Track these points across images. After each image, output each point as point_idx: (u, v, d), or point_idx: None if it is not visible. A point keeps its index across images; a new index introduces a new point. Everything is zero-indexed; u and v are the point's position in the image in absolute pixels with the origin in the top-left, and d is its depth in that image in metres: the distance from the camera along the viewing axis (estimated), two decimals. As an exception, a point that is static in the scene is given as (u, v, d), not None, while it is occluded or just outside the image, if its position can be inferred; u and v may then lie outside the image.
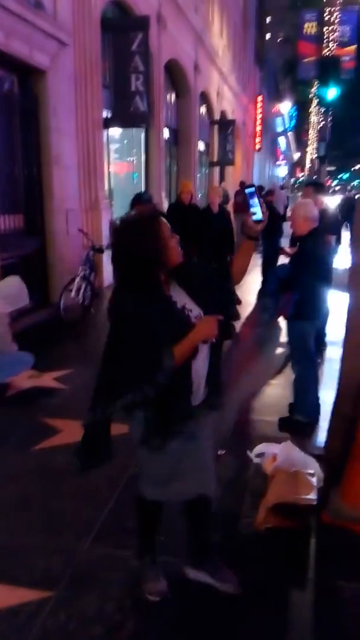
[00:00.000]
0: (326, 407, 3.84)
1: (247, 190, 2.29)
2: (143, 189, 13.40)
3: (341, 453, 3.04)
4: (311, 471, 3.03)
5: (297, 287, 3.97)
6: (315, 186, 6.27)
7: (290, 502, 2.83)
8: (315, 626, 2.38)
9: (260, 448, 3.45)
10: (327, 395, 4.30)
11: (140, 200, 5.61)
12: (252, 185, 2.32)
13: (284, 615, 2.40)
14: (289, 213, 12.16)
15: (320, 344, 6.03)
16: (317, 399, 4.28)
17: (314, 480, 2.96)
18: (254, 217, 2.26)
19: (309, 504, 2.82)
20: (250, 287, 8.98)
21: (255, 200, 2.25)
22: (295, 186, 50.31)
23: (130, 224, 2.06)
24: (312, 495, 2.85)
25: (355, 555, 2.75)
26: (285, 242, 8.58)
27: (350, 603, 2.49)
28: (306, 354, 4.16)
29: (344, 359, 3.31)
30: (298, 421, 4.15)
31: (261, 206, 2.24)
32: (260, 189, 16.04)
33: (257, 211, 2.26)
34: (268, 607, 2.43)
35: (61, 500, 3.27)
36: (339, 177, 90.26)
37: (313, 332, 4.22)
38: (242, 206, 14.86)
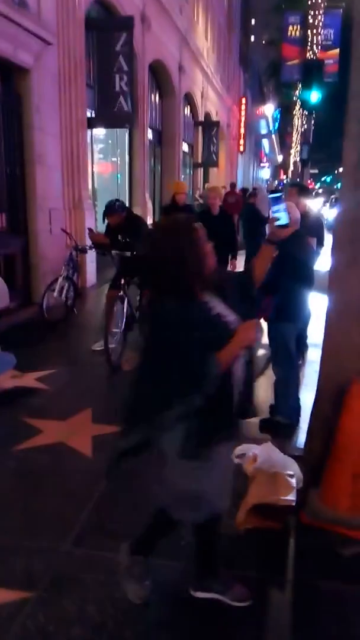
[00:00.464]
0: (306, 409, 3.88)
1: (272, 196, 2.28)
2: (127, 189, 13.40)
3: (321, 454, 3.08)
4: (291, 472, 3.06)
5: (278, 290, 3.99)
6: (300, 188, 6.29)
7: (270, 503, 2.86)
8: (294, 625, 2.40)
9: (241, 449, 3.46)
10: (307, 396, 4.34)
11: (112, 209, 5.49)
12: (277, 191, 2.31)
13: (264, 615, 2.42)
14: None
15: (301, 345, 6.08)
16: (298, 400, 4.34)
17: (293, 481, 2.98)
18: (279, 223, 2.25)
19: (289, 504, 2.85)
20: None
21: (280, 206, 2.24)
22: (280, 188, 50.56)
23: (168, 230, 2.03)
24: (292, 496, 2.87)
25: (333, 555, 2.78)
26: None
27: (328, 602, 2.53)
28: (287, 356, 4.20)
29: (324, 361, 3.34)
30: (279, 422, 4.18)
31: (286, 211, 2.23)
32: (244, 191, 16.18)
33: (282, 216, 2.25)
34: (247, 606, 2.45)
35: (42, 500, 3.26)
36: (322, 180, 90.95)
37: (294, 335, 4.25)
38: (234, 206, 14.94)
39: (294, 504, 2.86)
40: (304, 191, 6.19)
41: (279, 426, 4.13)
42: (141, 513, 3.09)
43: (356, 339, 3.14)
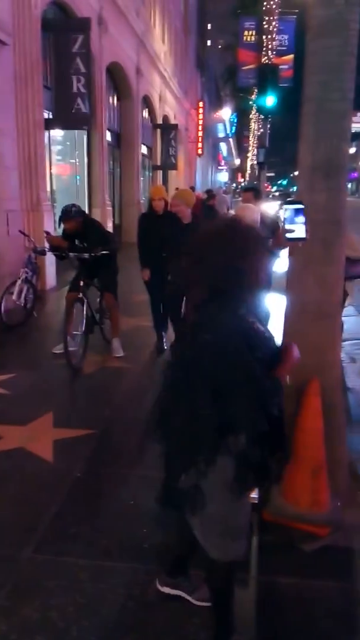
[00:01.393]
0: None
1: (294, 207, 2.22)
2: (86, 191, 13.30)
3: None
4: (253, 470, 3.09)
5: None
6: (255, 192, 6.38)
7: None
8: (257, 620, 2.43)
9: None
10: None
11: (68, 215, 5.37)
12: (298, 202, 2.26)
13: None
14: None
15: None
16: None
17: (255, 479, 3.01)
18: (294, 235, 2.18)
19: (251, 502, 2.88)
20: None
21: (300, 218, 2.20)
22: (237, 191, 51.12)
23: (224, 235, 1.83)
24: (254, 494, 2.90)
25: (294, 552, 2.82)
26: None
27: (289, 597, 2.56)
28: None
29: (283, 361, 3.39)
30: None
31: (306, 225, 2.16)
32: (208, 192, 16.28)
33: (300, 230, 2.18)
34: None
35: (2, 507, 3.19)
36: (278, 183, 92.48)
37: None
38: (195, 208, 14.99)
39: (256, 501, 2.89)
40: (258, 195, 6.28)
41: None
42: (104, 517, 3.09)
43: (313, 338, 3.20)
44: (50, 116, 9.90)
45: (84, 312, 5.51)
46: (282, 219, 2.24)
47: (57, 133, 11.43)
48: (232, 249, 1.82)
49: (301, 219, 2.23)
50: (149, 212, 5.98)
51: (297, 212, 2.25)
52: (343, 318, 4.72)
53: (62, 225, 5.67)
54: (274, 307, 5.85)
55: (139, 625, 2.36)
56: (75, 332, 5.53)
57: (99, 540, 2.90)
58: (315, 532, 2.90)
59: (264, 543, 2.88)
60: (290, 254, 2.23)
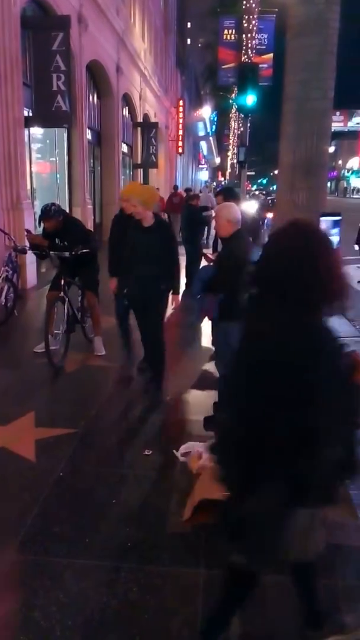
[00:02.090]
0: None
1: (332, 219, 2.20)
2: (67, 189, 13.21)
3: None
4: (235, 467, 3.11)
5: (221, 289, 4.03)
6: (225, 194, 6.21)
7: (216, 499, 2.89)
8: (241, 618, 2.44)
9: (185, 447, 3.51)
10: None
11: (48, 214, 5.30)
12: (338, 214, 2.21)
13: (209, 610, 2.45)
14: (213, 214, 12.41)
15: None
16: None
17: (238, 475, 3.03)
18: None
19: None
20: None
21: (336, 230, 2.17)
22: (217, 189, 51.27)
23: (307, 239, 1.73)
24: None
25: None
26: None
27: (272, 593, 2.58)
28: (230, 354, 4.21)
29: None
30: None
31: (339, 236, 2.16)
32: (187, 190, 16.25)
33: (335, 240, 2.16)
34: (196, 601, 2.47)
35: (-17, 508, 3.16)
36: (258, 181, 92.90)
37: (237, 333, 4.25)
38: (178, 207, 14.96)
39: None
40: (229, 194, 6.15)
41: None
42: (87, 516, 3.08)
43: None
44: (30, 114, 9.82)
45: (65, 311, 5.48)
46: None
47: (37, 131, 11.33)
48: (305, 255, 1.72)
49: (336, 230, 2.22)
50: (120, 214, 5.33)
51: (336, 224, 2.25)
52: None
53: (42, 224, 5.62)
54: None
55: (123, 623, 2.36)
56: (56, 331, 5.50)
57: (82, 539, 2.89)
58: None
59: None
60: None
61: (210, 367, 5.77)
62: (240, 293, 4.03)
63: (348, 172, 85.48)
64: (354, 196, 64.07)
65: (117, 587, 2.55)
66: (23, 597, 2.48)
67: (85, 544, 2.85)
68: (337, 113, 71.78)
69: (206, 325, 5.51)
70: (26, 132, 9.69)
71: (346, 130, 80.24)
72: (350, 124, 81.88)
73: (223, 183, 53.28)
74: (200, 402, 4.79)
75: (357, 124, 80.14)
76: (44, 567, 2.67)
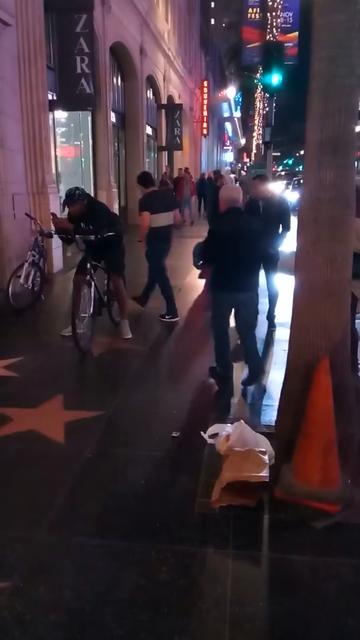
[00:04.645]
0: (276, 387, 3.93)
1: None
2: (92, 173, 13.21)
3: (291, 431, 3.12)
4: (263, 449, 3.10)
5: (210, 261, 4.53)
6: (260, 178, 6.53)
7: (244, 480, 2.89)
8: (269, 597, 2.45)
9: (213, 429, 3.50)
10: (276, 375, 4.40)
11: (72, 199, 5.36)
12: None
13: (240, 590, 2.46)
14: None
15: (270, 325, 6.18)
16: (228, 356, 4.76)
17: (265, 458, 3.02)
18: None
19: (262, 481, 2.89)
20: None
21: None
22: (242, 170, 50.61)
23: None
24: (265, 473, 2.91)
25: (306, 529, 2.84)
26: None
27: (301, 574, 2.58)
28: (217, 320, 4.65)
29: (292, 340, 3.38)
30: (215, 370, 4.80)
31: None
32: (216, 173, 16.10)
33: None
34: (224, 582, 2.48)
35: (14, 490, 3.21)
36: (284, 162, 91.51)
37: (226, 302, 4.55)
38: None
39: (267, 480, 2.90)
40: (263, 178, 6.51)
41: (217, 373, 4.78)
42: (116, 497, 3.11)
43: (323, 317, 3.18)
44: (55, 97, 9.80)
45: (92, 295, 5.51)
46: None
47: (61, 115, 11.33)
48: None
49: None
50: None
51: None
52: None
53: (67, 209, 5.63)
54: (283, 287, 5.84)
55: (153, 603, 2.38)
56: (83, 315, 5.53)
57: (111, 520, 2.92)
58: (326, 509, 2.91)
59: (275, 521, 2.90)
60: None
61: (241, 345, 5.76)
62: (227, 265, 4.38)
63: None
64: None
65: (147, 567, 2.57)
66: (54, 577, 2.52)
67: (114, 525, 2.88)
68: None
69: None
70: (51, 115, 9.68)
71: (375, 109, 78.14)
72: (379, 102, 79.69)
73: (249, 164, 52.62)
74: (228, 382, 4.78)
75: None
76: (74, 548, 2.71)
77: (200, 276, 4.91)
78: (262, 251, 4.74)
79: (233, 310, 4.61)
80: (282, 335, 5.50)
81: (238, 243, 4.32)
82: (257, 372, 4.73)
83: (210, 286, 4.61)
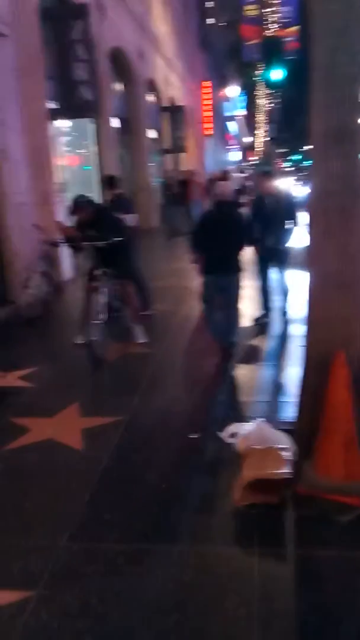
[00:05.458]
0: (294, 383, 3.89)
1: None
2: (98, 180, 13.24)
3: (311, 426, 3.08)
4: (283, 446, 3.06)
5: (197, 248, 5.14)
6: (265, 174, 6.66)
7: (266, 478, 2.86)
8: (299, 595, 2.41)
9: (232, 428, 3.47)
10: (293, 371, 4.36)
11: (78, 206, 5.41)
12: None
13: (267, 587, 2.42)
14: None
15: (284, 322, 6.14)
16: (218, 332, 5.27)
17: (286, 454, 2.98)
18: None
19: (284, 477, 2.86)
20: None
21: None
22: (250, 168, 50.49)
23: None
24: (286, 469, 2.88)
25: (330, 523, 2.80)
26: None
27: (328, 569, 2.54)
28: (206, 300, 5.23)
29: (308, 334, 3.35)
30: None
31: None
32: (224, 172, 16.02)
33: None
34: (251, 581, 2.45)
35: (35, 499, 3.21)
36: (290, 158, 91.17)
37: (213, 284, 5.10)
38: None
39: (288, 476, 2.87)
40: (269, 175, 6.65)
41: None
42: (137, 502, 3.09)
43: (338, 309, 3.14)
44: (56, 106, 9.83)
45: (103, 301, 5.50)
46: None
47: (63, 123, 11.36)
48: None
49: None
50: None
51: None
52: None
53: (73, 217, 5.64)
54: (297, 281, 5.79)
55: (180, 605, 2.35)
56: (95, 322, 5.52)
57: (133, 524, 2.90)
58: (350, 502, 2.87)
59: (299, 517, 2.86)
60: None
61: (257, 343, 5.73)
62: (211, 252, 4.99)
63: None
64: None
65: (173, 570, 2.55)
66: (79, 584, 2.50)
67: (138, 529, 2.86)
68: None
69: (246, 297, 5.80)
70: (53, 124, 9.71)
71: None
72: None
73: (258, 162, 52.51)
74: (244, 381, 4.75)
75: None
76: (98, 554, 2.69)
77: (193, 262, 5.40)
78: (242, 239, 5.22)
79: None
80: (297, 331, 5.45)
81: (220, 232, 4.95)
82: (231, 346, 5.17)
83: (200, 271, 5.19)
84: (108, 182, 7.11)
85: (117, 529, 2.88)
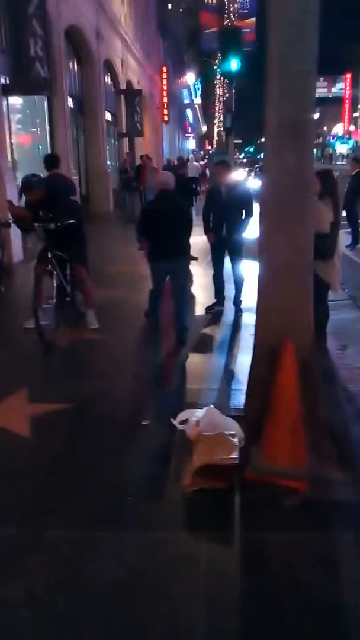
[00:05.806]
0: (244, 371, 3.95)
1: None
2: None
3: (259, 413, 3.14)
4: (233, 432, 3.11)
5: (144, 236, 5.37)
6: (225, 164, 6.68)
7: (215, 463, 2.90)
8: (241, 575, 2.47)
9: (183, 415, 3.50)
10: (244, 359, 4.42)
11: (30, 186, 5.22)
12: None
13: (213, 572, 2.47)
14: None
15: (236, 311, 6.21)
16: (157, 311, 5.57)
17: (235, 440, 3.03)
18: None
19: (232, 463, 2.91)
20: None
21: None
22: (205, 157, 50.58)
23: None
24: (235, 455, 2.93)
25: (276, 507, 2.86)
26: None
27: (273, 552, 2.61)
28: (154, 286, 5.47)
29: (258, 323, 3.40)
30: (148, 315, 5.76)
31: None
32: (180, 160, 16.00)
33: None
34: (198, 565, 2.49)
35: (-20, 486, 3.14)
36: (245, 149, 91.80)
37: (161, 269, 5.31)
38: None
39: (237, 462, 2.92)
40: (227, 165, 6.71)
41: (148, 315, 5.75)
42: (86, 489, 3.07)
43: (287, 300, 3.20)
44: (8, 82, 9.52)
45: (54, 285, 5.40)
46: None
47: (16, 100, 11.03)
48: None
49: None
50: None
51: None
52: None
53: (24, 197, 5.49)
54: (249, 273, 5.87)
55: (126, 591, 2.36)
56: (46, 306, 5.42)
57: (80, 512, 2.88)
58: (295, 487, 2.95)
59: (246, 501, 2.92)
60: None
61: (208, 331, 5.77)
62: (155, 240, 5.23)
63: (333, 138, 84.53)
64: (340, 163, 63.31)
65: (120, 556, 2.55)
66: (24, 573, 2.47)
67: (86, 516, 2.84)
68: (321, 79, 71.05)
69: (199, 285, 6.25)
70: (4, 101, 9.41)
71: (330, 96, 79.27)
72: (334, 90, 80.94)
73: (211, 151, 52.55)
74: (196, 368, 4.79)
75: (341, 89, 79.09)
76: (45, 542, 2.66)
77: (140, 249, 5.61)
78: (186, 225, 5.52)
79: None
80: (249, 320, 5.52)
81: (165, 219, 5.12)
82: (183, 331, 5.34)
83: (147, 257, 5.39)
84: (48, 161, 7.09)
85: (64, 516, 2.85)
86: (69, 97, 13.84)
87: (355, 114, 75.37)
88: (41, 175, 5.62)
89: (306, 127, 3.13)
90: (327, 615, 2.25)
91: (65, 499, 2.98)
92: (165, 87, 31.63)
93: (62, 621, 2.23)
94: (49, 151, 12.90)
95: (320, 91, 68.17)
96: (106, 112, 18.22)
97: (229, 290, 6.38)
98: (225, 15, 20.68)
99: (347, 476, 3.10)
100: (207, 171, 20.24)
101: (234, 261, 6.26)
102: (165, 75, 31.81)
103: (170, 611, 2.26)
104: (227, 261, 6.36)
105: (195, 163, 20.21)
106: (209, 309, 6.38)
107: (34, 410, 4.00)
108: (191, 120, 56.25)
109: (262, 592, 2.37)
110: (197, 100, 54.03)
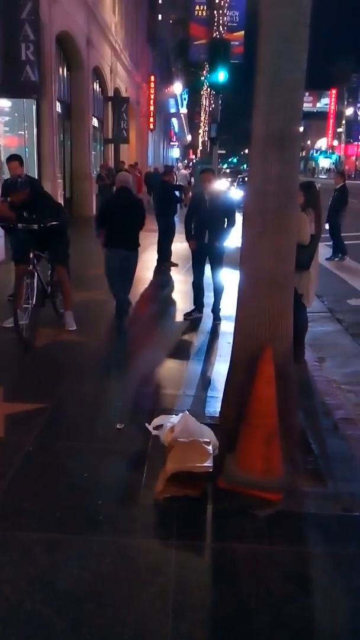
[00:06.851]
0: (221, 379, 3.96)
1: None
2: (36, 164, 12.91)
3: (235, 421, 3.15)
4: (207, 440, 3.11)
5: (102, 226, 6.11)
6: (212, 172, 6.77)
7: (188, 471, 2.89)
8: (212, 586, 2.46)
9: (158, 420, 3.49)
10: (221, 367, 4.44)
11: (14, 187, 5.18)
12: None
13: (183, 580, 2.46)
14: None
15: (215, 318, 6.24)
16: (120, 300, 6.13)
17: (209, 448, 3.03)
18: None
19: (206, 470, 2.90)
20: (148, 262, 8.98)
21: None
22: (189, 166, 50.89)
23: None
24: (208, 463, 2.92)
25: (248, 517, 2.86)
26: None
27: (243, 561, 2.60)
28: (108, 272, 6.08)
29: (237, 330, 3.42)
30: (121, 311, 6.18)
31: None
32: (167, 167, 16.09)
33: None
34: (168, 573, 2.48)
35: None
36: (228, 160, 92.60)
37: (114, 256, 5.95)
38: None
39: (210, 469, 2.91)
40: (211, 173, 6.73)
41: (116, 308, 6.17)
42: (57, 490, 3.04)
43: (267, 307, 3.22)
44: (-3, 84, 9.51)
45: (35, 285, 5.37)
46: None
47: (4, 103, 11.00)
48: None
49: None
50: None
51: None
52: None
53: (8, 197, 5.45)
54: (229, 281, 5.90)
55: (95, 596, 2.34)
56: (25, 306, 5.38)
57: (51, 514, 2.85)
58: (268, 498, 2.95)
59: (219, 510, 2.91)
60: None
61: (186, 337, 5.78)
62: (110, 229, 5.89)
63: (316, 152, 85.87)
64: (322, 176, 64.31)
65: (90, 560, 2.52)
66: (-8, 572, 2.44)
67: (57, 518, 2.81)
68: (307, 94, 72.17)
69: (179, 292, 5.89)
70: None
71: (315, 111, 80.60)
72: (319, 105, 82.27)
73: (194, 161, 52.88)
74: (172, 374, 4.78)
75: (326, 104, 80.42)
76: (13, 542, 2.63)
77: (98, 236, 6.37)
78: (140, 221, 6.08)
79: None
80: (227, 328, 5.54)
81: (122, 213, 5.82)
82: (122, 311, 6.09)
83: (104, 245, 6.01)
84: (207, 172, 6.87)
85: (35, 517, 2.82)
86: (57, 101, 13.85)
87: (339, 129, 76.62)
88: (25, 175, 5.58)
89: (293, 137, 3.18)
90: (296, 628, 2.25)
91: (35, 500, 2.95)
92: (152, 96, 31.80)
93: (31, 622, 2.20)
94: (35, 154, 12.89)
95: (306, 105, 69.23)
96: (93, 117, 18.25)
97: (208, 298, 6.41)
98: (215, 27, 20.85)
99: (321, 488, 3.11)
100: (192, 179, 20.39)
101: (214, 269, 6.29)
102: (152, 85, 32.00)
103: (138, 619, 2.24)
104: (207, 269, 6.39)
105: (183, 171, 20.29)
106: (187, 315, 6.40)
107: (8, 410, 3.96)
108: (177, 129, 56.60)
109: (231, 602, 2.36)
110: (183, 110, 54.40)
